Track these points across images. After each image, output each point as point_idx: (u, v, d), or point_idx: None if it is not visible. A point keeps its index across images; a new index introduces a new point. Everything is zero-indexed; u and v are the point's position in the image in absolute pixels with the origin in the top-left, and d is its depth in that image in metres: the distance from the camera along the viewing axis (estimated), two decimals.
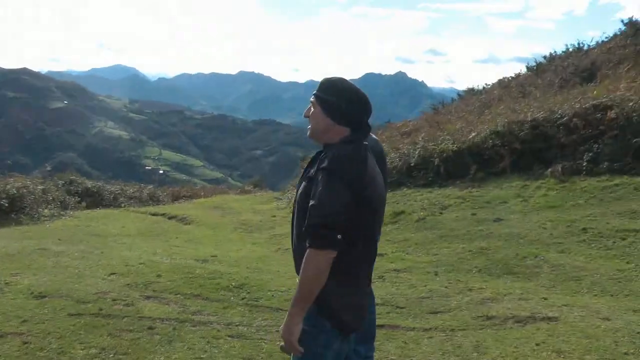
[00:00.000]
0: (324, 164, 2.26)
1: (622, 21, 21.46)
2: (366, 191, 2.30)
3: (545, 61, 24.09)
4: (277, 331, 4.91)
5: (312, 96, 2.48)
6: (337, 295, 2.32)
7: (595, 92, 12.32)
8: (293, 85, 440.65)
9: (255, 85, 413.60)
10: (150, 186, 20.54)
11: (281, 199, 19.57)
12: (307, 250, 2.21)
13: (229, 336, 4.93)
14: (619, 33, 21.56)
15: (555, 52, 24.34)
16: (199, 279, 6.72)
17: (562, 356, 4.15)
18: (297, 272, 2.41)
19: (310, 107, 2.49)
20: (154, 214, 13.59)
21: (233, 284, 6.59)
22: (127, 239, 9.82)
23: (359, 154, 2.37)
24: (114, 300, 5.76)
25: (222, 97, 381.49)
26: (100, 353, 4.45)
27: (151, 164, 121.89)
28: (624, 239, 7.11)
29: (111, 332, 4.87)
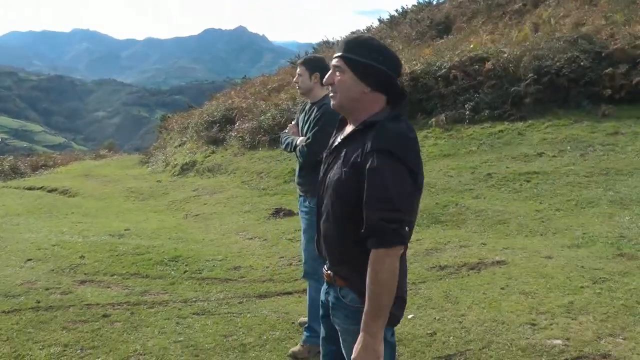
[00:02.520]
0: (381, 145, 1.94)
1: None
2: (421, 176, 2.03)
3: (398, 15, 25.09)
4: (247, 312, 4.82)
5: (336, 59, 2.12)
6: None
7: (472, 45, 12.99)
8: (131, 42, 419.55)
9: (91, 43, 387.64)
10: (10, 157, 18.78)
11: (151, 163, 18.87)
12: (374, 252, 1.90)
13: (194, 314, 4.73)
14: None
15: (407, 6, 25.44)
16: (127, 256, 6.34)
17: (530, 297, 4.44)
18: (328, 258, 2.19)
19: (333, 72, 2.13)
20: (30, 188, 12.54)
21: (166, 257, 6.30)
22: (18, 219, 8.97)
23: (413, 132, 2.05)
24: (47, 289, 5.28)
25: (58, 57, 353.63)
26: (64, 350, 4.06)
27: None
28: (528, 181, 7.69)
29: (65, 326, 4.46)
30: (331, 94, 2.16)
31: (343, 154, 2.10)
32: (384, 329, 1.95)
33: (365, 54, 2.08)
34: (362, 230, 1.93)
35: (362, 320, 1.94)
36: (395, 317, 2.06)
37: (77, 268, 5.95)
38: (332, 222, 2.11)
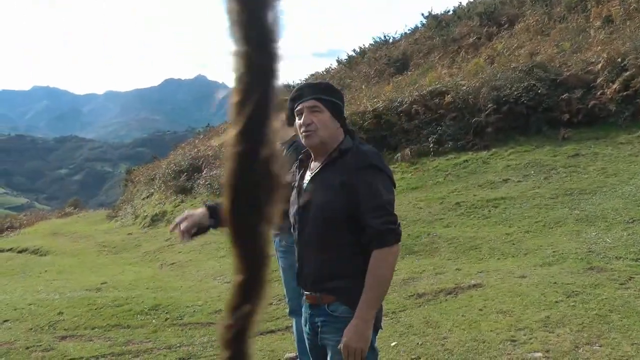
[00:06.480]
0: (367, 163, 2.22)
1: (423, 15, 23.59)
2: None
3: (356, 54, 25.72)
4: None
5: (313, 100, 2.32)
6: None
7: (428, 79, 13.40)
8: (92, 97, 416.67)
9: (51, 100, 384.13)
10: None
11: (119, 216, 18.74)
12: (379, 252, 2.14)
13: (180, 359, 4.72)
14: (420, 26, 23.65)
15: (364, 45, 26.11)
16: (106, 309, 6.29)
17: (507, 315, 4.58)
18: (315, 279, 2.33)
19: (309, 113, 2.31)
20: None
21: (146, 307, 6.27)
22: None
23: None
24: (27, 348, 5.22)
25: (18, 116, 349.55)
26: None
27: None
28: (496, 207, 7.91)
29: None
30: (307, 133, 2.32)
31: (322, 181, 2.30)
32: (374, 320, 2.16)
33: (334, 95, 2.36)
34: (366, 236, 2.17)
35: (358, 309, 2.12)
36: (379, 321, 2.28)
37: (56, 325, 5.89)
38: (324, 243, 2.28)
